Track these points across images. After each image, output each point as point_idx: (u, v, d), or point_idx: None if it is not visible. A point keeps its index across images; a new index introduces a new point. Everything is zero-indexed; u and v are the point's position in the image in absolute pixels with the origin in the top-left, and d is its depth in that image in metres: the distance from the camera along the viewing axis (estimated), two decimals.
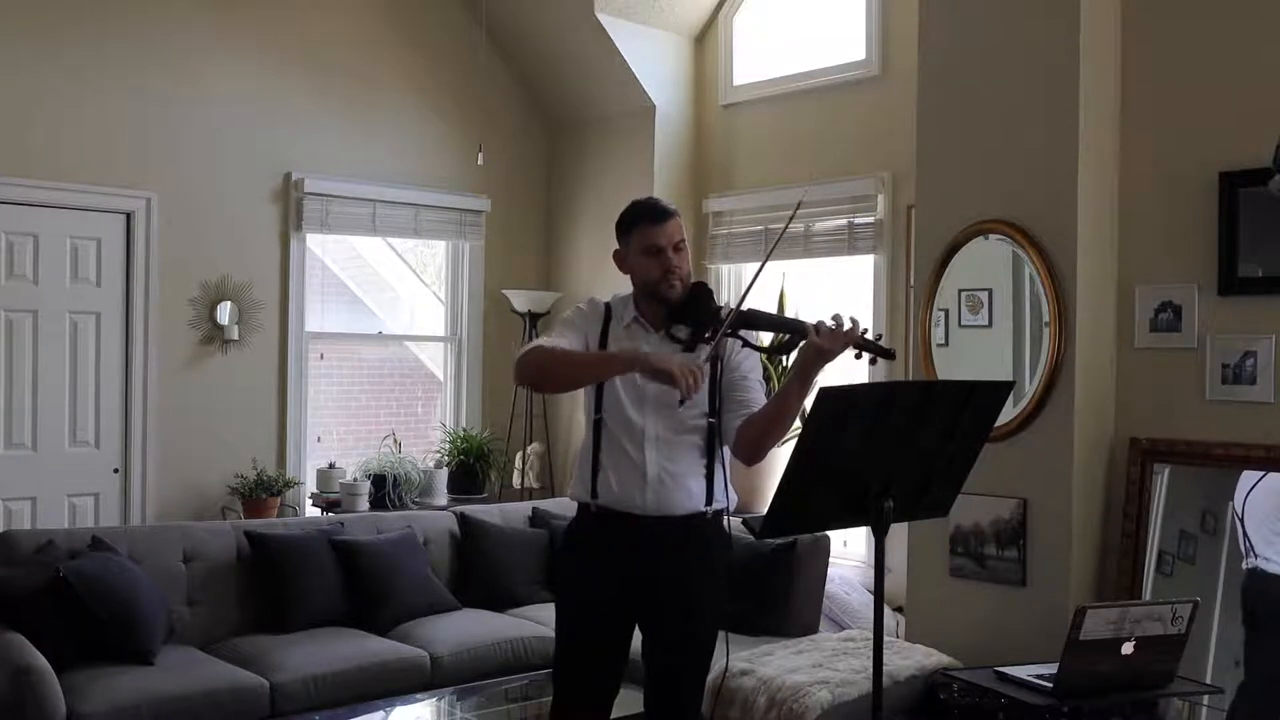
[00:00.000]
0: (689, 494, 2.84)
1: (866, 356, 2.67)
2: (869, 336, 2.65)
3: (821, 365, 2.65)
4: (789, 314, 5.63)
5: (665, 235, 2.85)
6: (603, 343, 2.88)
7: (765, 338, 2.93)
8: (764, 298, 6.01)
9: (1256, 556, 3.63)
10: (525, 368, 2.80)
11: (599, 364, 2.79)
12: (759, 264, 2.87)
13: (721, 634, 2.92)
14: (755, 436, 2.82)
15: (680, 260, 2.86)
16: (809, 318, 2.73)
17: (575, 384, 2.88)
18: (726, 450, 2.92)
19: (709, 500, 2.88)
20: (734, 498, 2.99)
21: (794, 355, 2.96)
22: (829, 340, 2.60)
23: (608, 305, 2.94)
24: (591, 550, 2.89)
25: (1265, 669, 3.54)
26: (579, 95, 6.73)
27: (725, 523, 2.94)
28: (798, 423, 5.52)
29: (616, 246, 2.96)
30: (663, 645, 2.89)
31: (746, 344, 2.85)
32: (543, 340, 2.86)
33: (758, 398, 2.88)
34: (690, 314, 2.83)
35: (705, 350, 2.75)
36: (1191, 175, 3.83)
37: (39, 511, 5.44)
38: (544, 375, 2.85)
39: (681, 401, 2.64)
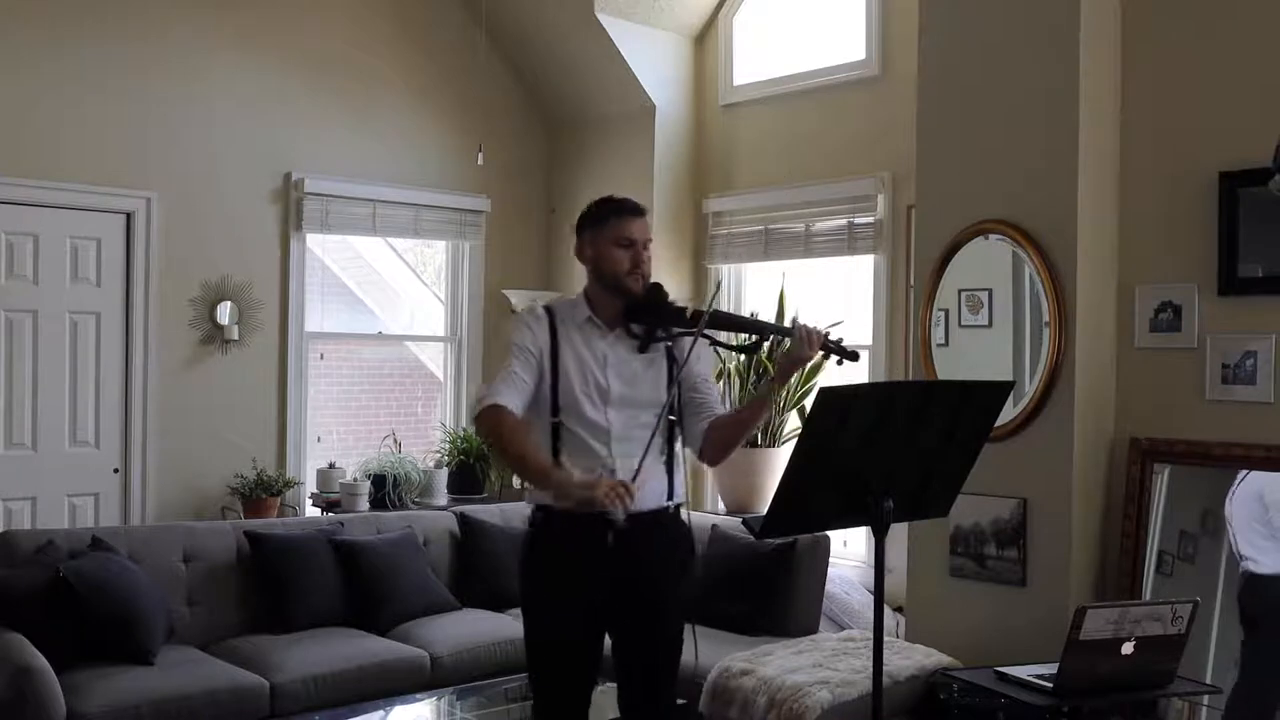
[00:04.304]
0: (654, 489, 2.85)
1: (833, 359, 2.83)
2: (831, 339, 2.81)
3: (799, 369, 2.89)
4: (788, 315, 5.66)
5: (639, 229, 2.90)
6: (554, 352, 2.86)
7: (723, 337, 3.02)
8: (764, 299, 6.01)
9: (1243, 559, 3.65)
10: (480, 427, 2.85)
11: (532, 474, 2.82)
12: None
13: (689, 627, 2.93)
14: (726, 438, 2.92)
15: (647, 257, 2.91)
16: (809, 319, 2.82)
17: (512, 469, 2.90)
18: (681, 444, 2.95)
19: (670, 494, 2.90)
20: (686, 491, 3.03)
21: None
22: (805, 347, 2.75)
23: (549, 310, 2.94)
24: (560, 553, 2.86)
25: (1258, 669, 3.56)
26: (579, 95, 6.73)
27: (685, 515, 2.96)
28: (797, 421, 5.57)
29: (576, 243, 2.97)
30: (638, 641, 2.89)
31: (715, 343, 2.90)
32: (501, 391, 2.79)
33: (716, 400, 3.00)
34: (647, 312, 2.87)
35: (660, 348, 2.85)
36: (1191, 175, 3.83)
37: (39, 511, 5.43)
38: (492, 443, 2.99)
39: (619, 520, 2.63)
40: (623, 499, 2.58)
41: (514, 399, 2.80)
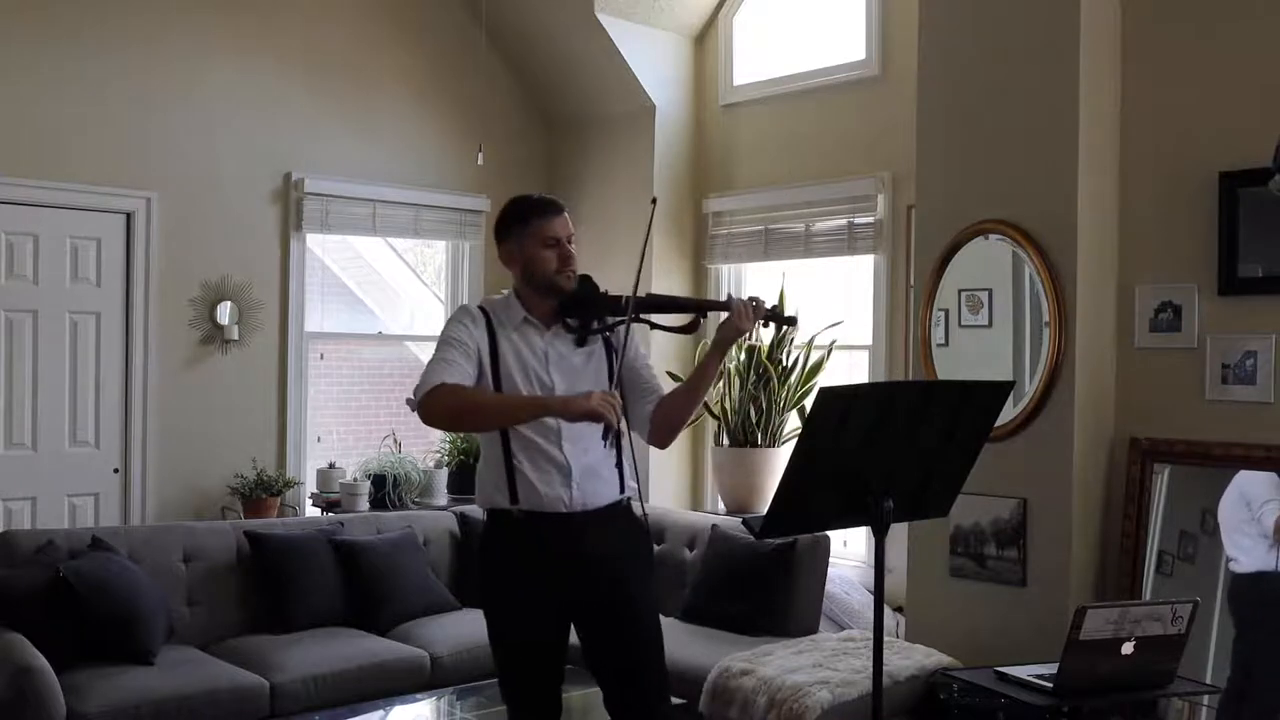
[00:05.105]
0: (607, 484, 2.86)
1: (773, 326, 2.99)
2: (769, 308, 2.89)
3: (737, 340, 2.90)
4: (788, 312, 5.66)
5: (562, 226, 2.89)
6: (494, 351, 2.83)
7: (662, 319, 3.05)
8: (766, 298, 6.01)
9: (1229, 559, 3.66)
10: (435, 412, 2.75)
11: (518, 412, 2.76)
12: (640, 255, 2.97)
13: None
14: (673, 416, 2.93)
15: (574, 252, 2.90)
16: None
17: (491, 428, 2.84)
18: (630, 438, 2.95)
19: (622, 488, 2.90)
20: (637, 483, 3.02)
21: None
22: (744, 319, 2.81)
23: (484, 310, 2.91)
24: (521, 556, 2.85)
25: (1246, 667, 3.57)
26: (579, 95, 6.73)
27: (637, 508, 2.95)
28: (797, 421, 5.56)
29: (499, 247, 2.94)
30: (612, 642, 2.88)
31: (654, 326, 2.91)
32: (442, 374, 2.74)
33: (657, 382, 3.00)
34: (582, 305, 2.87)
35: (598, 338, 2.87)
36: (1191, 175, 3.84)
37: (39, 511, 5.43)
38: (454, 420, 2.91)
39: (606, 434, 2.67)
40: (614, 408, 2.63)
41: (459, 381, 2.75)
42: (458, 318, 2.89)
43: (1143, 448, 3.92)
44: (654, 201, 3.10)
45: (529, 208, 2.90)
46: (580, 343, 2.87)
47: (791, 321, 3.05)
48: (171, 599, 4.37)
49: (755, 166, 6.15)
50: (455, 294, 6.88)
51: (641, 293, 2.82)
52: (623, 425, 2.90)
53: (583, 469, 2.80)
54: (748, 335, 2.93)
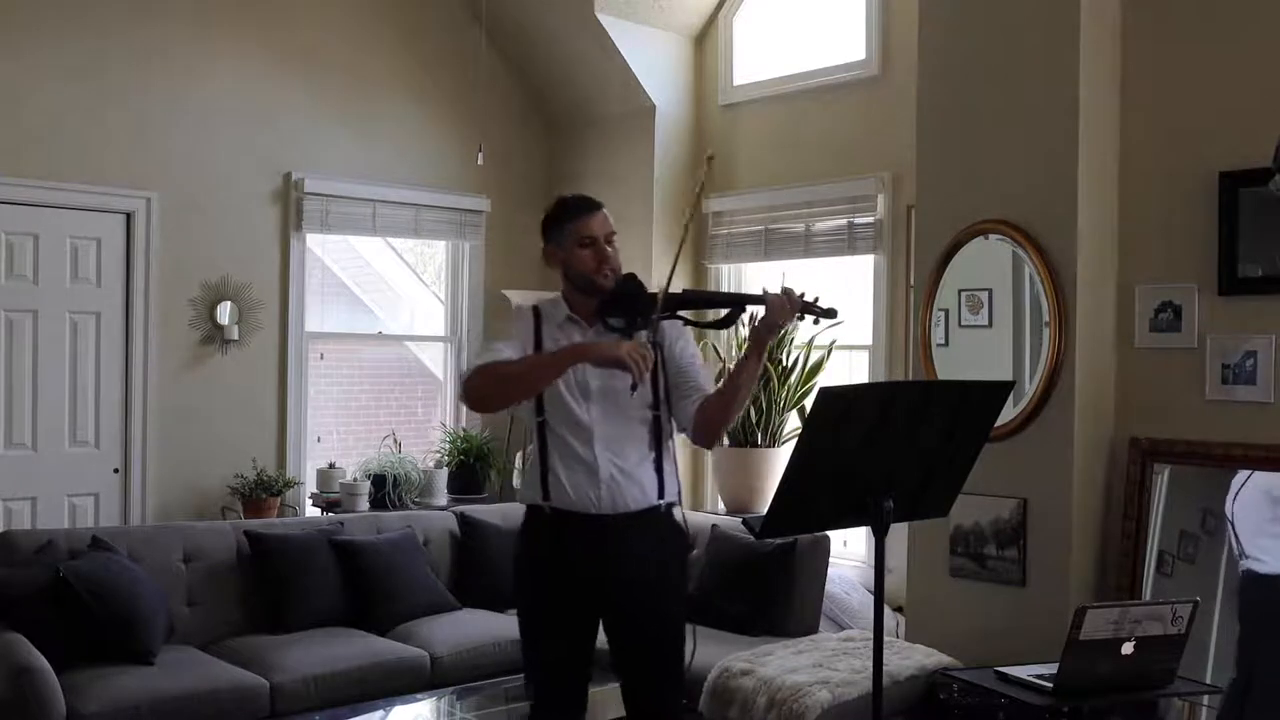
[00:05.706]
0: (642, 489, 2.84)
1: (809, 318, 2.85)
2: (809, 299, 2.81)
3: (775, 336, 2.84)
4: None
5: (599, 225, 2.90)
6: (538, 347, 2.87)
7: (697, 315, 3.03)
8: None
9: (1246, 557, 3.64)
10: (475, 390, 2.79)
11: (549, 364, 2.79)
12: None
13: (689, 626, 2.93)
14: (715, 415, 2.86)
15: (612, 252, 2.90)
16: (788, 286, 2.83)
17: (530, 391, 2.83)
18: (673, 442, 2.94)
19: (661, 494, 2.88)
20: (680, 489, 2.99)
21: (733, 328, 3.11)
22: (780, 314, 2.75)
23: (535, 309, 2.95)
24: (549, 553, 2.86)
25: (1251, 666, 3.56)
26: (579, 95, 6.73)
27: (679, 514, 2.94)
28: (797, 421, 5.56)
29: (544, 249, 2.97)
30: (633, 643, 2.89)
31: (688, 322, 2.90)
32: (482, 359, 2.82)
33: (706, 380, 2.94)
34: (623, 304, 2.86)
35: (643, 335, 2.81)
36: (1191, 175, 3.83)
37: (39, 511, 5.43)
38: (498, 391, 2.81)
39: (634, 388, 2.65)
40: (643, 362, 2.63)
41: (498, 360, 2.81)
42: (512, 316, 3.00)
43: (1143, 448, 3.92)
44: (710, 158, 3.08)
45: (565, 208, 2.94)
46: (625, 339, 2.84)
47: (831, 314, 2.87)
48: (171, 599, 4.37)
49: (755, 166, 6.15)
50: (455, 294, 6.88)
51: (676, 288, 2.81)
52: (671, 427, 2.91)
53: (613, 471, 2.80)
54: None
